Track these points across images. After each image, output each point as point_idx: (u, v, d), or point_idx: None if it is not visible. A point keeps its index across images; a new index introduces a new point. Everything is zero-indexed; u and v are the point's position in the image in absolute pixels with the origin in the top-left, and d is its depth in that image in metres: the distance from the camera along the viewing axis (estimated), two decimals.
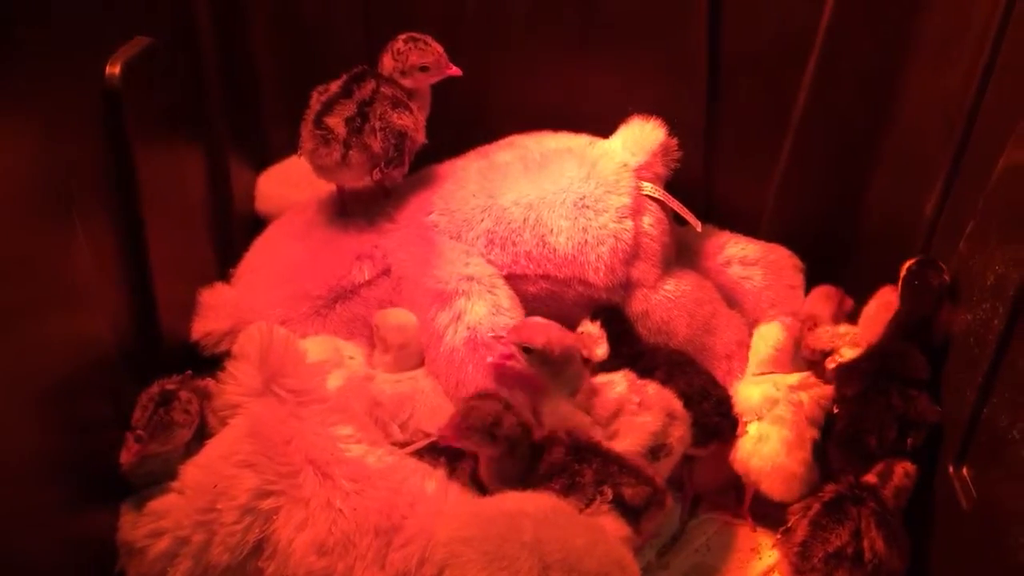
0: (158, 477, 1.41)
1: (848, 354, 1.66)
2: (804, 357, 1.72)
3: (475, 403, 1.42)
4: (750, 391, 1.62)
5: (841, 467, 1.52)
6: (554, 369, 1.54)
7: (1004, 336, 1.32)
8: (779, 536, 1.45)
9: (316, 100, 1.74)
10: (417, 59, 1.76)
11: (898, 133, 1.78)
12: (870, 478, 1.46)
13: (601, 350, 1.64)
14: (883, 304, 1.71)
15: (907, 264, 1.64)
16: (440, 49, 1.77)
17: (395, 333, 1.71)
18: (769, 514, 1.60)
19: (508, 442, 1.40)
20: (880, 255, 1.74)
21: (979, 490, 1.34)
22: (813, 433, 1.55)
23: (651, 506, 1.39)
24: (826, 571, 1.36)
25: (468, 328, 1.66)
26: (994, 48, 1.52)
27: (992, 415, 1.33)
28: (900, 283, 1.63)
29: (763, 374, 1.68)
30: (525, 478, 1.42)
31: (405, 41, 1.76)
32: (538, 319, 1.62)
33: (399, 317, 1.73)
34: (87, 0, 1.40)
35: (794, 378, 1.61)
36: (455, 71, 1.79)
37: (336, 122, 1.71)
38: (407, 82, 1.78)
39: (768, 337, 1.71)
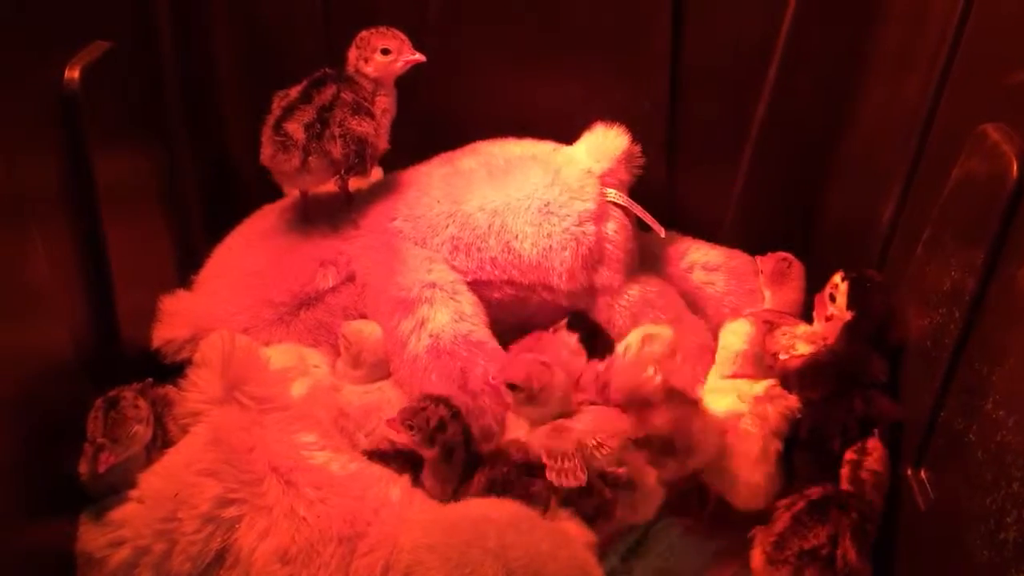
0: (118, 486, 1.39)
1: (803, 349, 1.68)
2: (765, 362, 1.73)
3: (425, 404, 1.45)
4: (715, 402, 1.61)
5: (806, 472, 1.53)
6: (540, 402, 1.51)
7: (960, 340, 1.34)
8: (760, 528, 1.45)
9: (277, 105, 1.73)
10: (379, 41, 1.75)
11: (856, 141, 1.81)
12: (845, 487, 1.47)
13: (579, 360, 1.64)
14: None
15: (839, 277, 1.66)
16: (403, 36, 1.77)
17: (370, 351, 1.70)
18: (732, 519, 1.61)
19: (445, 448, 1.44)
20: (838, 260, 1.75)
21: (936, 491, 1.36)
22: (777, 445, 1.56)
23: (600, 516, 1.40)
24: (798, 566, 1.37)
25: (431, 336, 1.66)
26: (949, 58, 1.55)
27: (949, 418, 1.36)
28: (847, 296, 1.64)
29: (732, 377, 1.67)
30: (459, 488, 1.45)
31: (368, 29, 1.77)
32: (524, 356, 1.59)
33: (374, 333, 1.72)
34: (46, 4, 1.38)
35: (760, 387, 1.61)
36: (419, 57, 1.78)
37: (295, 128, 1.70)
38: (370, 70, 1.76)
39: (739, 332, 1.70)
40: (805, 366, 1.63)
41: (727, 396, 1.61)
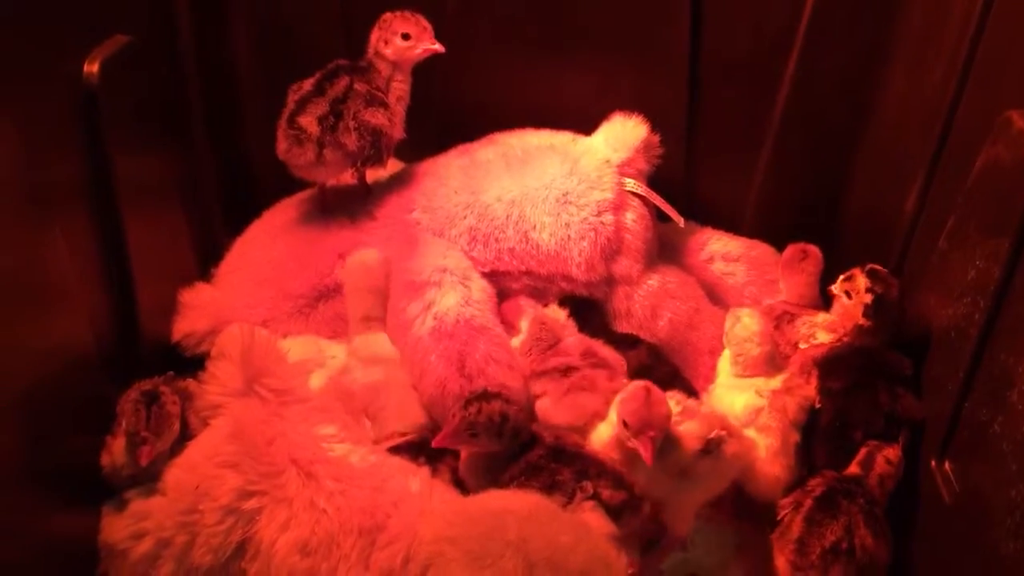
0: (139, 479, 1.40)
1: (823, 337, 1.67)
2: (782, 351, 1.71)
3: (477, 406, 1.40)
4: (732, 398, 1.59)
5: (825, 461, 1.52)
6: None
7: (985, 330, 1.33)
8: (775, 535, 1.44)
9: (291, 99, 1.73)
10: (400, 25, 1.75)
11: (878, 130, 1.80)
12: (853, 468, 1.47)
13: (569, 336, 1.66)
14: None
15: (848, 284, 1.65)
16: (426, 23, 1.76)
17: (373, 278, 1.71)
18: (751, 509, 1.60)
19: (514, 434, 1.41)
20: (861, 251, 1.74)
21: (961, 484, 1.35)
22: (796, 436, 1.55)
23: (626, 511, 1.39)
24: (823, 567, 1.37)
25: (435, 318, 1.65)
26: (972, 45, 1.53)
27: (973, 409, 1.34)
28: (864, 307, 1.63)
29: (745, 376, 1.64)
30: (504, 473, 1.41)
31: (393, 12, 1.76)
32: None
33: (374, 258, 1.73)
34: None
35: (777, 381, 1.59)
36: (438, 47, 1.77)
37: (309, 121, 1.70)
38: (389, 52, 1.76)
39: (749, 331, 1.62)
40: (826, 356, 1.62)
41: (744, 392, 1.59)
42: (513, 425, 1.41)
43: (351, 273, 1.72)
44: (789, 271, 1.82)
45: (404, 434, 1.56)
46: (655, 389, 1.40)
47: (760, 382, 1.60)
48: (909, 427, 1.51)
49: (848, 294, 1.65)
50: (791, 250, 1.83)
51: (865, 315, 1.62)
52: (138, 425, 1.38)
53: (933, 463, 1.42)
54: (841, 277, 1.68)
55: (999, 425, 1.24)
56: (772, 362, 1.62)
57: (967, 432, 1.36)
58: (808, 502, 1.42)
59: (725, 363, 1.66)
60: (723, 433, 1.45)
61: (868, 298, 1.62)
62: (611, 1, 1.86)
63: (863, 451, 1.48)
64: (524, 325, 1.68)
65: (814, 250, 1.82)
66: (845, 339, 1.66)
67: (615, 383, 1.55)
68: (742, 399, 1.58)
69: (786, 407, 1.56)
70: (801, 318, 1.74)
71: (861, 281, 1.64)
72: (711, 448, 1.43)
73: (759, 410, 1.55)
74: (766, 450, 1.53)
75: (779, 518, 1.44)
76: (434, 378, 1.61)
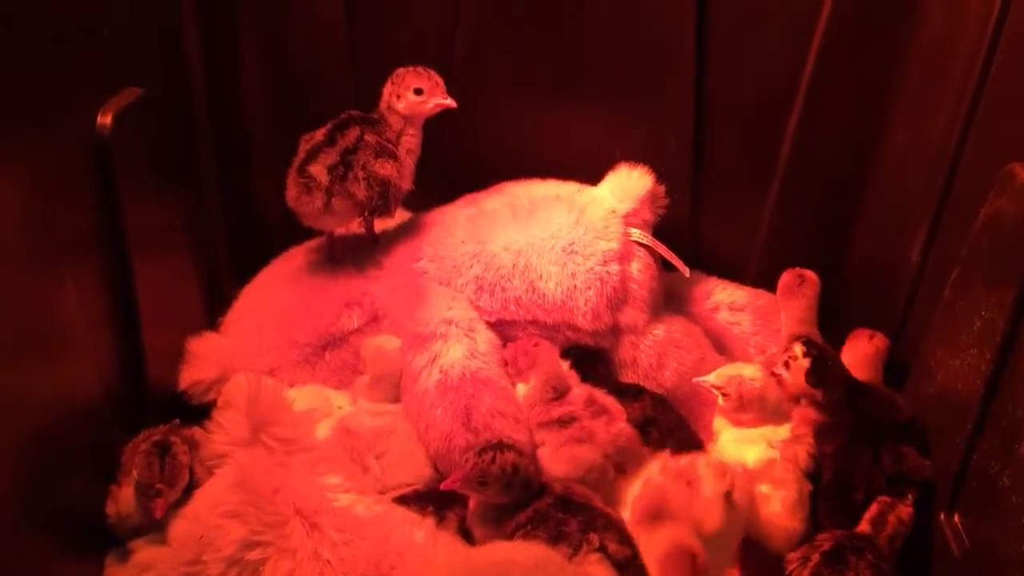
0: (144, 528, 1.39)
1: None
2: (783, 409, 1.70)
3: (490, 455, 1.40)
4: (741, 452, 1.56)
5: (827, 522, 1.51)
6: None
7: (992, 382, 1.33)
8: None
9: (302, 148, 1.75)
10: (413, 80, 1.77)
11: (882, 180, 1.80)
12: (864, 527, 1.45)
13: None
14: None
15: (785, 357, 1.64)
16: (439, 79, 1.78)
17: (388, 367, 1.70)
18: (756, 562, 1.58)
19: (524, 486, 1.41)
20: (865, 301, 1.75)
21: (971, 537, 1.34)
22: (809, 486, 1.54)
23: (631, 567, 1.37)
24: None
25: (441, 371, 1.65)
26: (975, 97, 1.54)
27: (982, 462, 1.33)
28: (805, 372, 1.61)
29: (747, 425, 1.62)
30: (511, 520, 1.41)
31: (406, 67, 1.79)
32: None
33: (392, 348, 1.72)
34: (79, 50, 1.41)
35: (785, 430, 1.58)
36: (450, 103, 1.79)
37: (319, 170, 1.71)
38: (401, 107, 1.78)
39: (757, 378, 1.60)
40: (821, 428, 1.60)
41: (755, 444, 1.57)
42: (523, 478, 1.41)
43: (367, 357, 1.72)
44: (787, 296, 1.82)
45: (411, 484, 1.55)
46: (700, 555, 1.35)
47: (768, 431, 1.59)
48: (918, 487, 1.49)
49: (787, 364, 1.62)
50: (788, 276, 1.83)
51: (808, 381, 1.60)
52: (152, 477, 1.38)
53: (942, 516, 1.41)
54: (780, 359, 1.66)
55: (1008, 478, 1.23)
56: (778, 412, 1.61)
57: (976, 485, 1.35)
58: (816, 557, 1.40)
59: (723, 420, 1.63)
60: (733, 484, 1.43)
61: (807, 362, 1.60)
62: (616, 51, 1.88)
63: (874, 508, 1.46)
64: (534, 382, 1.66)
65: (811, 274, 1.81)
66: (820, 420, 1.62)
67: (614, 428, 1.56)
68: (753, 452, 1.56)
69: (797, 456, 1.55)
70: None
71: (798, 349, 1.62)
72: (728, 502, 1.42)
73: (772, 462, 1.54)
74: (781, 503, 1.51)
75: (787, 573, 1.42)
76: (440, 431, 1.61)
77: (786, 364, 1.63)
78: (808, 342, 1.63)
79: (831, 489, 1.53)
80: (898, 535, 1.44)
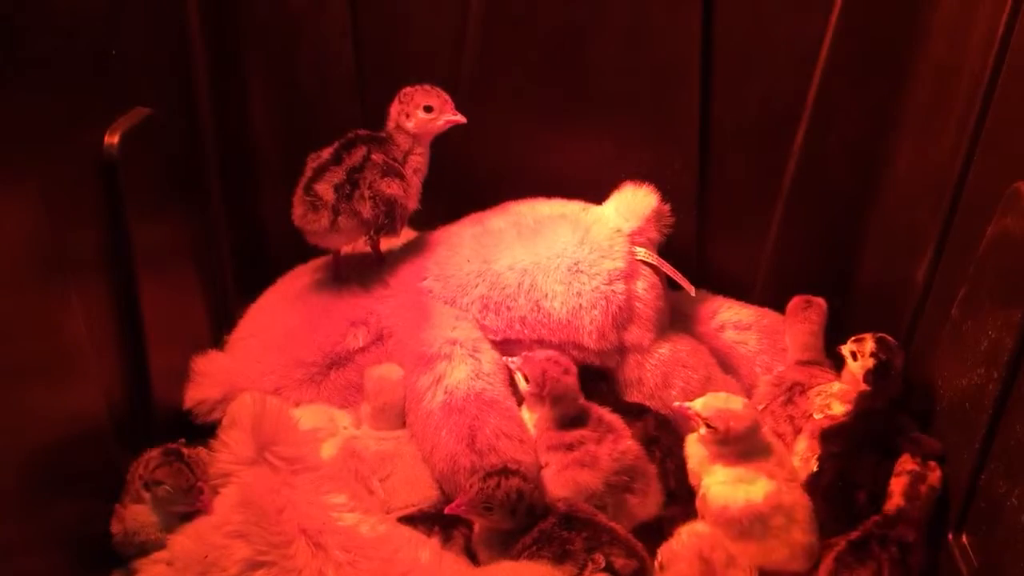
0: (148, 548, 1.39)
1: (837, 408, 1.66)
2: (796, 423, 1.70)
3: (495, 480, 1.40)
4: (734, 494, 1.49)
5: (830, 519, 1.51)
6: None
7: (999, 401, 1.32)
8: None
9: (309, 167, 1.76)
10: (422, 98, 1.77)
11: (887, 200, 1.81)
12: (898, 500, 1.44)
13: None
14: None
15: (856, 346, 1.65)
16: (446, 96, 1.79)
17: (392, 396, 1.70)
18: None
19: (529, 512, 1.41)
20: (872, 320, 1.74)
21: (980, 557, 1.33)
22: (807, 497, 1.54)
23: None
24: None
25: (445, 391, 1.65)
26: (981, 115, 1.55)
27: (990, 482, 1.33)
28: (866, 370, 1.62)
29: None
30: (516, 542, 1.40)
31: (413, 85, 1.79)
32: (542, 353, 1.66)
33: (395, 377, 1.71)
34: (87, 70, 1.42)
35: (773, 462, 1.55)
36: (460, 118, 1.79)
37: (325, 189, 1.72)
38: (410, 126, 1.78)
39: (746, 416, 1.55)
40: (830, 427, 1.61)
41: (754, 483, 1.51)
42: (528, 504, 1.41)
43: (369, 387, 1.71)
44: (793, 320, 1.83)
45: (416, 505, 1.55)
46: None
47: (775, 469, 1.55)
48: (937, 460, 1.48)
49: (854, 355, 1.65)
50: (796, 300, 1.84)
51: (866, 379, 1.62)
52: (188, 479, 1.40)
53: (951, 536, 1.40)
54: (852, 338, 1.68)
55: (1016, 498, 1.22)
56: (762, 448, 1.57)
57: (984, 505, 1.34)
58: (842, 543, 1.41)
59: (702, 457, 1.57)
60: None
61: (871, 363, 1.62)
62: (622, 72, 1.89)
63: (903, 480, 1.45)
64: (553, 410, 1.62)
65: (818, 300, 1.83)
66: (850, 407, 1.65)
67: (621, 445, 1.56)
68: (757, 489, 1.50)
69: (794, 472, 1.56)
70: (814, 388, 1.73)
71: (868, 345, 1.64)
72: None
73: (779, 491, 1.50)
74: (799, 526, 1.50)
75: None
76: (445, 453, 1.60)
77: (853, 354, 1.64)
78: (881, 341, 1.64)
79: (834, 489, 1.53)
80: (931, 500, 1.44)
